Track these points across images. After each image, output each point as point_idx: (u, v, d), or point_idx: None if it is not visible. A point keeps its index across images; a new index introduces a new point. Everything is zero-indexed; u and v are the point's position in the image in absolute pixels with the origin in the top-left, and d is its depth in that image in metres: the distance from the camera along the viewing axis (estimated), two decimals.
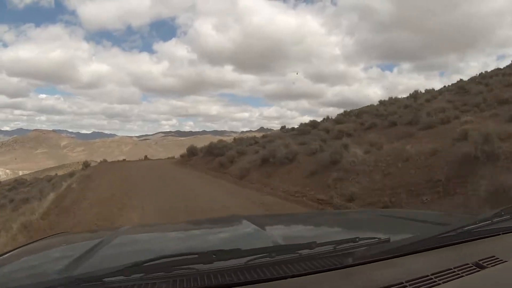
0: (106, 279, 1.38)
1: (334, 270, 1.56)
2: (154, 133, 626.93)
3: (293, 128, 35.13)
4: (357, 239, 1.72)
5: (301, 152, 17.59)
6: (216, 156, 26.73)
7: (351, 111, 31.95)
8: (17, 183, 50.82)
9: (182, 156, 37.22)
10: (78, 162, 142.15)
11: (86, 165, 34.20)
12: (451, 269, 1.51)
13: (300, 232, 2.76)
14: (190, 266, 1.50)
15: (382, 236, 1.79)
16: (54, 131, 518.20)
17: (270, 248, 1.66)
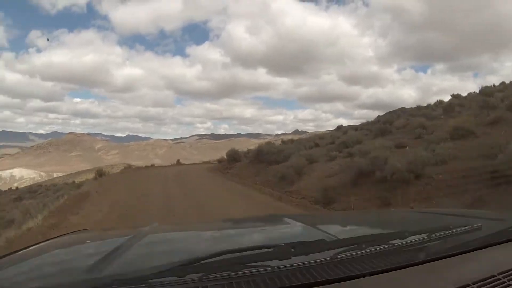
0: (153, 281, 1.19)
1: (431, 262, 1.41)
2: (188, 136, 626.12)
3: (357, 127, 28.86)
4: (451, 227, 1.59)
5: (430, 163, 10.47)
6: (269, 163, 20.10)
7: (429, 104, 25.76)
8: (28, 190, 45.52)
9: (220, 161, 32.05)
10: (111, 165, 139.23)
11: (99, 173, 27.82)
12: None
13: (382, 222, 2.50)
14: (263, 262, 1.28)
15: (474, 224, 1.63)
16: (88, 134, 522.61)
17: (358, 239, 1.47)
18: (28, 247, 2.03)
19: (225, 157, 28.81)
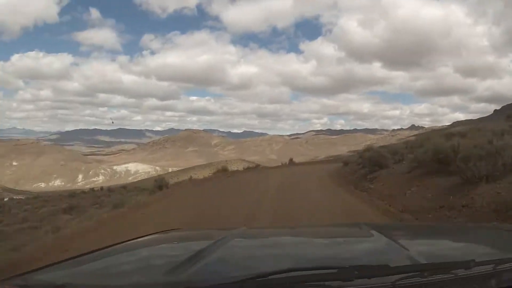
0: None
1: None
2: (305, 131, 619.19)
3: None
4: None
5: None
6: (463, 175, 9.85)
7: None
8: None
9: (345, 163, 26.38)
10: (226, 160, 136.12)
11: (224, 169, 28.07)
12: None
13: (447, 247, 2.36)
14: (326, 283, 1.31)
15: None
16: (205, 130, 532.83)
17: (421, 266, 1.47)
18: (116, 244, 2.15)
19: (359, 158, 19.75)
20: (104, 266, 1.79)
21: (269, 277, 1.28)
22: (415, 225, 4.68)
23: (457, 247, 2.24)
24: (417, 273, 1.37)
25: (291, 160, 43.56)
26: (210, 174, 29.65)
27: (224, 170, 30.63)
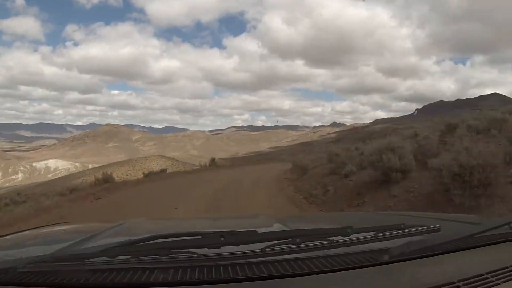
0: (87, 260, 1.22)
1: (374, 265, 1.28)
2: (226, 127, 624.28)
3: None
4: (403, 226, 1.45)
5: None
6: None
7: None
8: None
9: (294, 168, 22.34)
10: (145, 157, 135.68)
11: (105, 179, 19.70)
12: (508, 267, 1.29)
13: (332, 224, 2.34)
14: (191, 250, 1.27)
15: (431, 225, 1.49)
16: (126, 125, 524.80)
17: (293, 232, 1.40)
18: (5, 235, 2.10)
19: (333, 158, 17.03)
20: None
21: (134, 245, 1.27)
22: (324, 214, 4.27)
23: (340, 222, 2.22)
24: (289, 239, 1.30)
25: (212, 160, 37.37)
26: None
27: (105, 181, 20.40)
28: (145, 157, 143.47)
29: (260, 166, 42.10)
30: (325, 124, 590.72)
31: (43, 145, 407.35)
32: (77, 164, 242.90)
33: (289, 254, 1.26)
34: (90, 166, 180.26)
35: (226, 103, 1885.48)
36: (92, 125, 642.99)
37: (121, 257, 1.23)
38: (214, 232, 1.29)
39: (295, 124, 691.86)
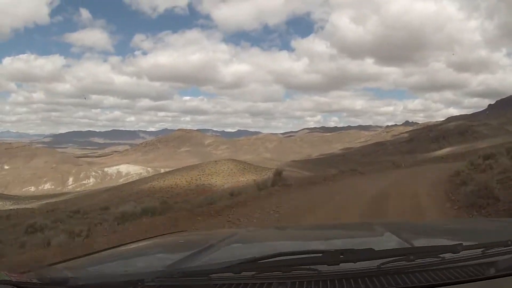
0: (213, 275, 1.31)
1: (483, 280, 1.30)
2: (298, 129, 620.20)
3: None
4: (510, 242, 1.46)
5: None
6: None
7: None
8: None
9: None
10: (215, 161, 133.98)
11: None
12: None
13: (442, 235, 2.38)
14: (312, 266, 1.34)
15: None
16: (198, 130, 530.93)
17: (407, 250, 1.48)
18: (123, 244, 2.30)
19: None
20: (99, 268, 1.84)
21: (258, 262, 1.34)
22: (429, 223, 4.35)
23: (447, 234, 2.24)
24: (403, 256, 1.37)
25: (278, 174, 18.75)
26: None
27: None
28: (215, 161, 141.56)
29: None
30: (397, 123, 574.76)
31: (115, 151, 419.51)
32: (149, 168, 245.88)
33: (403, 271, 1.32)
34: (162, 170, 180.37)
35: (298, 105, 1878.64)
36: (165, 130, 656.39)
37: (245, 273, 1.30)
38: (334, 250, 1.36)
39: (367, 124, 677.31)
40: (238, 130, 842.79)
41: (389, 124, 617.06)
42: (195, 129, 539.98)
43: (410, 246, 1.57)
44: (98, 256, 2.04)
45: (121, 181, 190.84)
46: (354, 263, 1.33)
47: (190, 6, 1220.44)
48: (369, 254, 1.36)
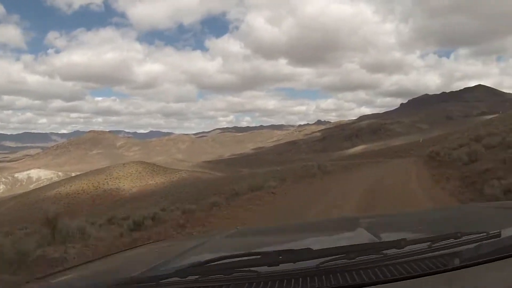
0: (162, 281, 1.34)
1: (430, 274, 1.27)
2: (211, 130, 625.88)
3: None
4: (459, 234, 1.45)
5: None
6: None
7: None
8: None
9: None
10: (123, 164, 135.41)
11: None
12: None
13: (390, 230, 2.35)
14: (252, 268, 1.36)
15: (490, 231, 1.47)
16: (111, 132, 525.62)
17: (347, 248, 1.44)
18: (100, 258, 2.31)
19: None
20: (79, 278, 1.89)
21: (203, 266, 1.38)
22: (415, 212, 4.64)
23: (412, 228, 2.24)
24: (342, 255, 1.36)
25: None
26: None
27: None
28: (124, 164, 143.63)
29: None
30: (310, 123, 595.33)
31: (27, 155, 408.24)
32: (60, 173, 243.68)
33: (342, 269, 1.31)
34: (73, 174, 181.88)
35: (211, 105, 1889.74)
36: (77, 132, 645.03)
37: (191, 277, 1.34)
38: (272, 251, 1.39)
39: (280, 123, 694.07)
40: (151, 131, 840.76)
41: (302, 123, 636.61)
42: (108, 130, 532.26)
43: (350, 244, 1.49)
44: (72, 270, 2.08)
45: (32, 187, 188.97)
46: (294, 263, 1.34)
47: (106, 3, 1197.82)
48: (307, 254, 1.36)
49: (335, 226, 2.73)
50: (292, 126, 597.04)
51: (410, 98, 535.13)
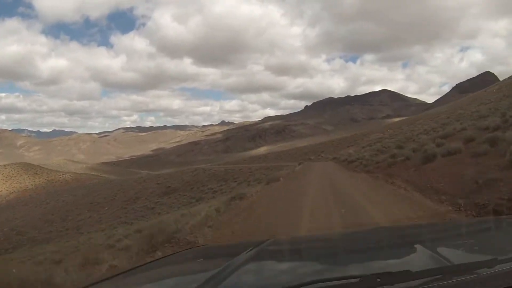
0: None
1: None
2: (115, 129, 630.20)
3: None
4: None
5: None
6: None
7: None
8: None
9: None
10: (4, 165, 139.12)
11: None
12: None
13: (470, 246, 2.24)
14: None
15: None
16: (13, 130, 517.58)
17: (444, 269, 1.43)
18: (142, 265, 2.37)
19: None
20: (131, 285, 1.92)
21: None
22: (436, 224, 4.61)
23: (480, 245, 2.17)
24: (440, 276, 1.36)
25: None
26: None
27: None
28: (4, 165, 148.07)
29: None
30: (213, 123, 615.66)
31: None
32: None
33: None
34: None
35: (115, 104, 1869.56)
36: None
37: None
38: (371, 275, 1.33)
39: (184, 124, 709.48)
40: (54, 130, 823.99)
41: (206, 124, 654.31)
42: (10, 129, 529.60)
43: (446, 265, 1.51)
44: (111, 280, 2.03)
45: None
46: (391, 285, 1.32)
47: None
48: (407, 276, 1.34)
49: (366, 238, 2.75)
50: (196, 126, 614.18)
51: (315, 101, 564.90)
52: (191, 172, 76.03)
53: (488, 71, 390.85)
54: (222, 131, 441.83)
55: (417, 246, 2.01)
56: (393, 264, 1.88)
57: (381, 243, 2.41)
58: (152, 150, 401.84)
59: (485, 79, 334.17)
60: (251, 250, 2.19)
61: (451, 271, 1.41)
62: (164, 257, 2.67)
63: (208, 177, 63.11)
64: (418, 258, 1.86)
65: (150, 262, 2.46)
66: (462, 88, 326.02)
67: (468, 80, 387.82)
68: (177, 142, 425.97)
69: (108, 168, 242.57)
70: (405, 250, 2.11)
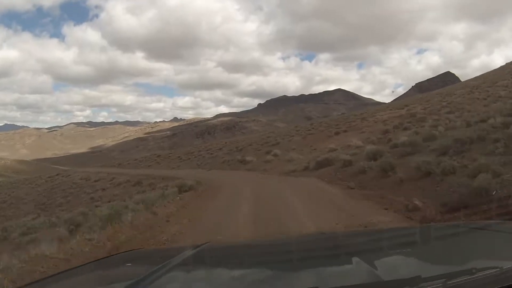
0: None
1: None
2: (66, 124, 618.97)
3: None
4: (474, 270, 1.33)
5: None
6: None
7: None
8: None
9: None
10: None
11: None
12: None
13: (395, 258, 2.10)
14: None
15: (504, 264, 1.36)
16: None
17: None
18: (77, 266, 2.29)
19: None
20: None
21: None
22: (368, 232, 4.31)
23: (411, 256, 2.10)
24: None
25: None
26: None
27: None
28: None
29: None
30: (166, 120, 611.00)
31: None
32: None
33: None
34: None
35: (67, 98, 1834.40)
36: None
37: None
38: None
39: (136, 120, 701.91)
40: (6, 124, 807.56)
41: (158, 120, 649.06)
42: None
43: (369, 282, 1.42)
44: (43, 282, 1.93)
45: None
46: None
47: None
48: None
49: (313, 244, 2.65)
50: (148, 123, 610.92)
51: (268, 98, 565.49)
52: (43, 180, 70.72)
53: (448, 72, 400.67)
54: (172, 127, 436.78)
55: (354, 258, 1.87)
56: (327, 277, 1.73)
57: (321, 252, 2.29)
58: (96, 146, 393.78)
59: (446, 79, 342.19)
60: (183, 254, 2.08)
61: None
62: (93, 261, 2.55)
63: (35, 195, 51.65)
64: (354, 271, 1.76)
65: (76, 267, 2.29)
66: (422, 88, 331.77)
67: (427, 80, 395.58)
68: (126, 137, 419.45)
69: (28, 167, 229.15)
70: (341, 261, 2.01)
